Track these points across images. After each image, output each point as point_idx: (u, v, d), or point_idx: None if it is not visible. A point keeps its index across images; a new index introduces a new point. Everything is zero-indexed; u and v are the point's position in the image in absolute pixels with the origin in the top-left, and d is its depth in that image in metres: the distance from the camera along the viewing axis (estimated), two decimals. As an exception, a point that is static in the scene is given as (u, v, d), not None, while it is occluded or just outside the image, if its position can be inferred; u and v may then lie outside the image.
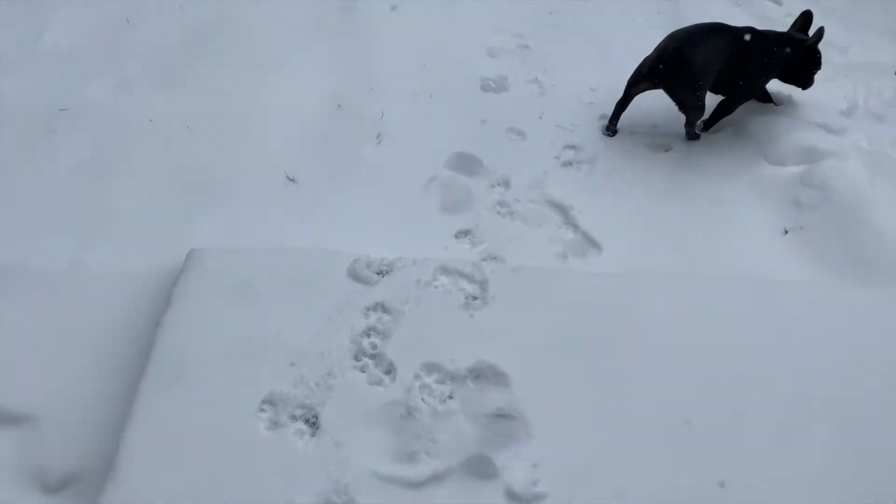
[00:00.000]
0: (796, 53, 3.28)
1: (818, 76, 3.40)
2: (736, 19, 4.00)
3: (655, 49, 3.20)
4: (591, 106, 3.58)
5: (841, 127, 3.46)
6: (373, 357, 2.10)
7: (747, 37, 3.20)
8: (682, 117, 3.35)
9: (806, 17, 3.32)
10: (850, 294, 2.47)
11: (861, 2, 4.62)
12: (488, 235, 2.88)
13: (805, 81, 3.38)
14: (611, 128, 3.43)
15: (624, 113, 3.42)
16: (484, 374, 2.07)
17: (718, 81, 3.25)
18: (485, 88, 3.65)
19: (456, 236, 2.88)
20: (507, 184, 3.13)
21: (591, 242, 2.90)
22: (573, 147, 3.36)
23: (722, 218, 3.02)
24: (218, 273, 2.30)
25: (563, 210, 3.03)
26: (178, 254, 2.45)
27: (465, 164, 3.20)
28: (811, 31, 3.35)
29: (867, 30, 4.28)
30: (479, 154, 3.24)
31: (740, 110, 3.41)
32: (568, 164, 3.29)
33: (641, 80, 3.26)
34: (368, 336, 2.15)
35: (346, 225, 2.78)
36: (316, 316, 2.16)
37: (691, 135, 3.38)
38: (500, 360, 2.10)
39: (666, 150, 3.38)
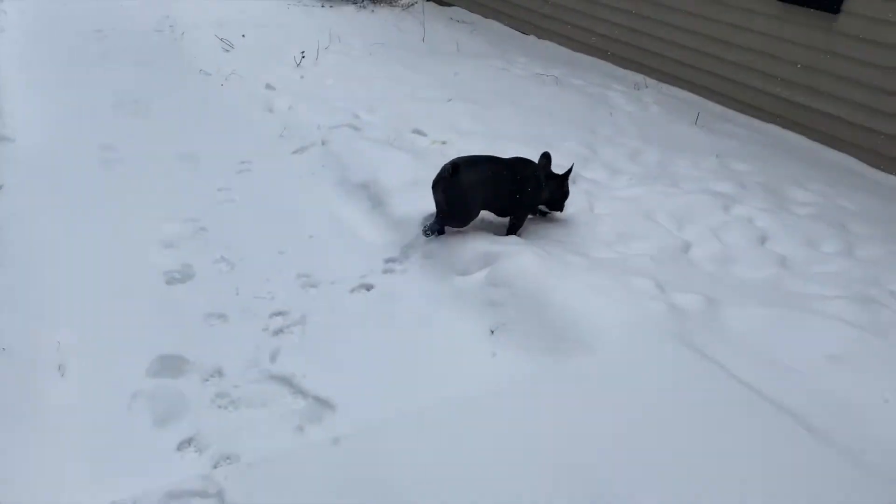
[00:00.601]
0: (558, 186, 3.91)
1: None
2: (394, 158, 4.41)
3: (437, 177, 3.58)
4: (284, 269, 3.59)
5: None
6: None
7: (525, 170, 3.78)
8: (373, 256, 3.54)
9: (547, 157, 3.93)
10: (557, 372, 2.73)
11: (481, 119, 5.37)
12: (215, 436, 2.66)
13: (561, 207, 4.01)
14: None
15: (318, 265, 3.53)
16: None
17: (503, 205, 3.74)
18: (170, 282, 3.47)
19: (179, 449, 2.60)
20: (220, 373, 2.96)
21: (325, 404, 2.83)
22: (279, 314, 3.32)
23: (435, 337, 3.17)
24: None
25: (286, 381, 2.93)
26: None
27: (169, 366, 2.96)
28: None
29: (498, 140, 4.95)
30: (181, 352, 3.03)
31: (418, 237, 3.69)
32: (279, 331, 3.22)
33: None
34: None
35: (40, 483, 2.36)
36: None
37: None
38: (257, 577, 1.89)
39: (368, 290, 3.50)
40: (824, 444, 2.35)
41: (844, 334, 2.92)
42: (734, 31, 5.88)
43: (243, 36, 7.10)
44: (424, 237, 3.70)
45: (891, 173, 4.95)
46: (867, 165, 5.07)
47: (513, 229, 3.82)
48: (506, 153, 4.74)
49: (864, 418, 2.49)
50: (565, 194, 3.97)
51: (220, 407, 2.80)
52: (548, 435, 2.40)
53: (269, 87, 5.83)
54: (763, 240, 3.84)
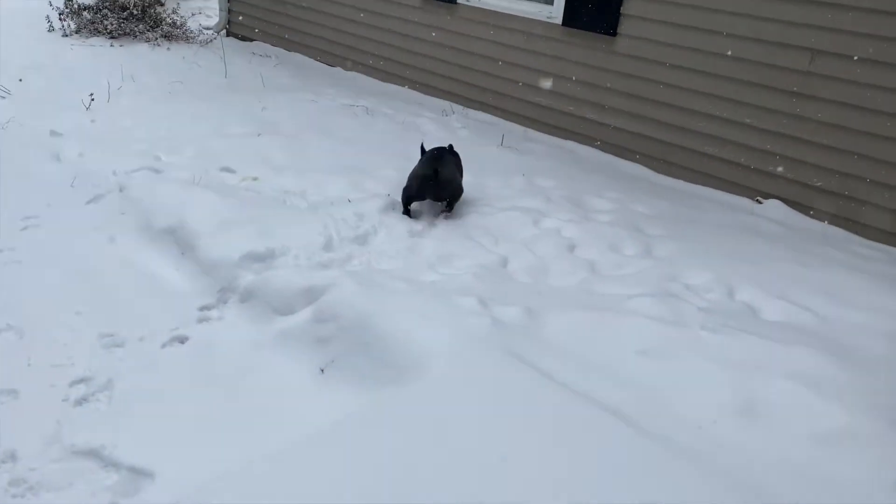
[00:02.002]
0: None
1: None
2: (201, 198, 4.18)
3: (420, 178, 4.32)
4: (84, 331, 3.25)
5: (329, 260, 3.83)
6: None
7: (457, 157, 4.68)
8: (186, 305, 3.32)
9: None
10: (390, 401, 2.69)
11: (294, 153, 5.27)
12: (9, 531, 2.33)
13: None
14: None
15: (123, 321, 3.24)
16: None
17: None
18: (-57, 360, 3.02)
19: (-36, 555, 2.25)
20: (13, 457, 2.60)
21: (141, 474, 2.57)
22: (81, 381, 2.99)
23: (261, 385, 3.01)
24: None
25: (94, 454, 2.64)
26: None
27: (-52, 459, 2.57)
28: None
29: (314, 173, 4.87)
30: (-38, 439, 2.64)
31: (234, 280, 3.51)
32: (81, 401, 2.90)
33: (415, 199, 4.38)
34: None
35: None
36: None
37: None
38: None
39: (182, 343, 3.26)
40: (637, 433, 2.50)
41: (650, 329, 3.14)
42: (526, 55, 6.25)
43: (21, 80, 6.46)
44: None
45: (674, 177, 5.47)
46: (654, 172, 5.57)
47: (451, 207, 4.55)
48: (323, 185, 4.69)
49: (671, 404, 2.69)
50: None
51: (14, 496, 2.46)
52: (386, 466, 2.35)
53: (54, 133, 5.33)
54: (572, 248, 4.07)
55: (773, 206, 4.94)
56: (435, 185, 4.31)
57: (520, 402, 2.64)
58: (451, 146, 4.75)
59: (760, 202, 5.03)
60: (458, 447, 2.43)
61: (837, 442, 2.59)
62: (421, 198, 4.39)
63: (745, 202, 5.06)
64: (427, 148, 4.81)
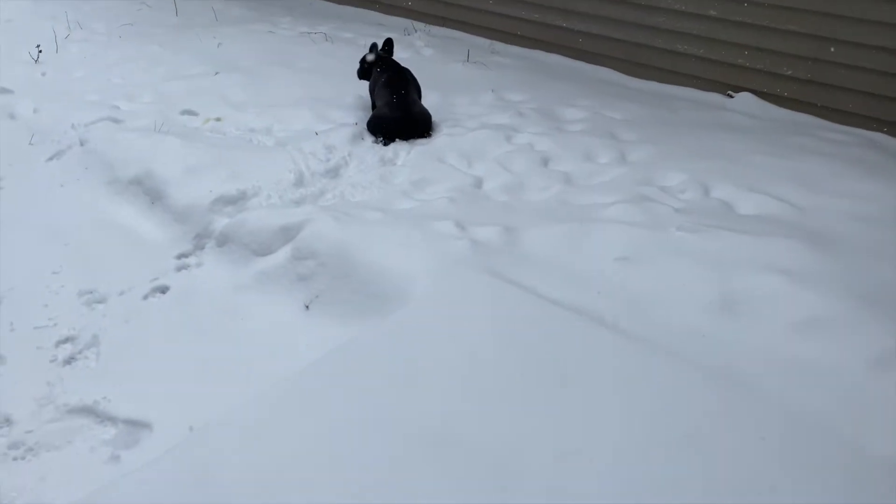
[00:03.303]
0: None
1: None
2: (165, 144, 4.08)
3: (392, 120, 4.33)
4: (63, 290, 3.23)
5: (302, 196, 3.79)
6: None
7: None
8: (163, 255, 3.29)
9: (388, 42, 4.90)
10: (378, 331, 2.72)
11: (255, 88, 5.13)
12: (15, 492, 2.37)
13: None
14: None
15: (102, 277, 3.22)
16: None
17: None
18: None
19: (-27, 519, 2.30)
20: (8, 421, 2.63)
21: (138, 425, 2.61)
22: (66, 340, 3.00)
23: (247, 327, 3.03)
24: None
25: (89, 411, 2.67)
26: None
27: (-57, 429, 2.58)
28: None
29: (277, 107, 4.75)
30: (-46, 409, 2.65)
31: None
32: (70, 360, 2.92)
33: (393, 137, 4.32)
34: None
35: None
36: None
37: None
38: None
39: (163, 293, 3.25)
40: (622, 337, 2.57)
41: (628, 235, 3.15)
42: (486, -36, 6.03)
43: (-41, 37, 6.16)
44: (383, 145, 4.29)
45: (645, 79, 5.38)
46: (625, 75, 5.48)
47: None
48: (288, 120, 4.59)
49: (653, 307, 2.74)
50: None
51: (15, 459, 2.50)
52: (383, 396, 2.38)
53: (4, 90, 5.13)
54: (546, 162, 4.04)
55: (745, 99, 4.90)
56: (407, 125, 4.33)
57: (503, 320, 2.68)
58: (387, 43, 4.86)
59: (732, 96, 4.99)
60: (447, 368, 2.47)
61: (815, 328, 2.65)
62: (394, 138, 4.33)
63: (716, 98, 5.01)
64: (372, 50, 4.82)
